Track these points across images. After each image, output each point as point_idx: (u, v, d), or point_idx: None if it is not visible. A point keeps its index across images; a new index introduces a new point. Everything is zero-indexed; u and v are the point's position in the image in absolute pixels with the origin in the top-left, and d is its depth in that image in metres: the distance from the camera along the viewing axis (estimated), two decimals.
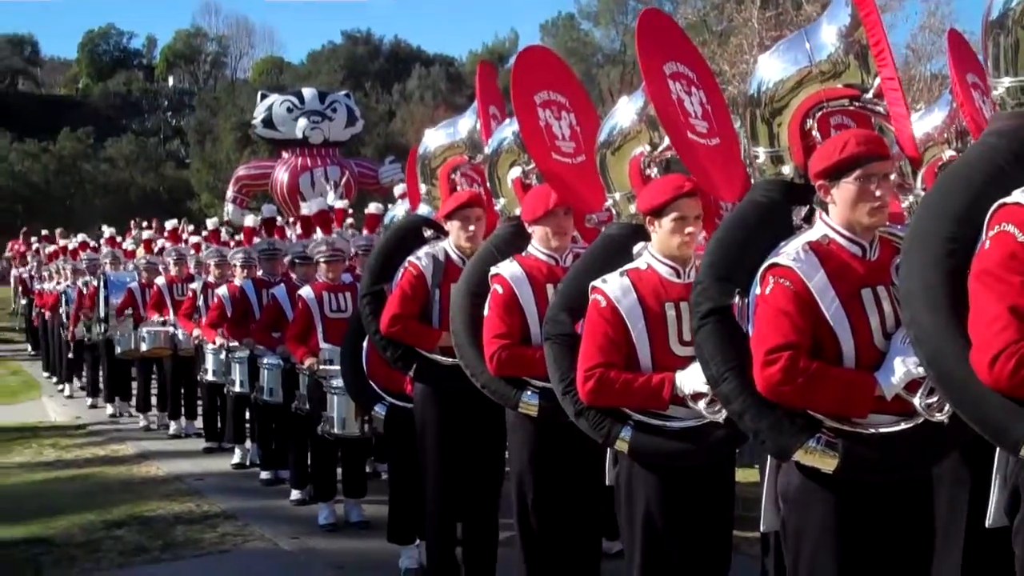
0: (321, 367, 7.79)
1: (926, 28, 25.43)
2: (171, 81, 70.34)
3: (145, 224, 18.90)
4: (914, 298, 3.07)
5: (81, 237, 18.30)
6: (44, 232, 23.06)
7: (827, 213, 3.57)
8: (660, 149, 4.60)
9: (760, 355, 3.40)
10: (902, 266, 3.16)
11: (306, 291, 8.29)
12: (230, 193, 27.21)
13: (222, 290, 10.21)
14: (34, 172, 49.15)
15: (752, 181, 4.22)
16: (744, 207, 3.86)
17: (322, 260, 8.30)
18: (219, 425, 11.16)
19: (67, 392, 16.43)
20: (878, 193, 3.44)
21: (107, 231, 18.00)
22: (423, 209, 6.42)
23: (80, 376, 16.35)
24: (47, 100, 65.54)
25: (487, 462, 5.93)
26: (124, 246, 16.55)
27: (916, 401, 3.35)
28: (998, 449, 3.16)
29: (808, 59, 3.71)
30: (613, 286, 4.19)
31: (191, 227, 18.51)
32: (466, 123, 6.13)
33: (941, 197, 3.14)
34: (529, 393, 4.99)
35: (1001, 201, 2.88)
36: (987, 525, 3.34)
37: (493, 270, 5.12)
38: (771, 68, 3.82)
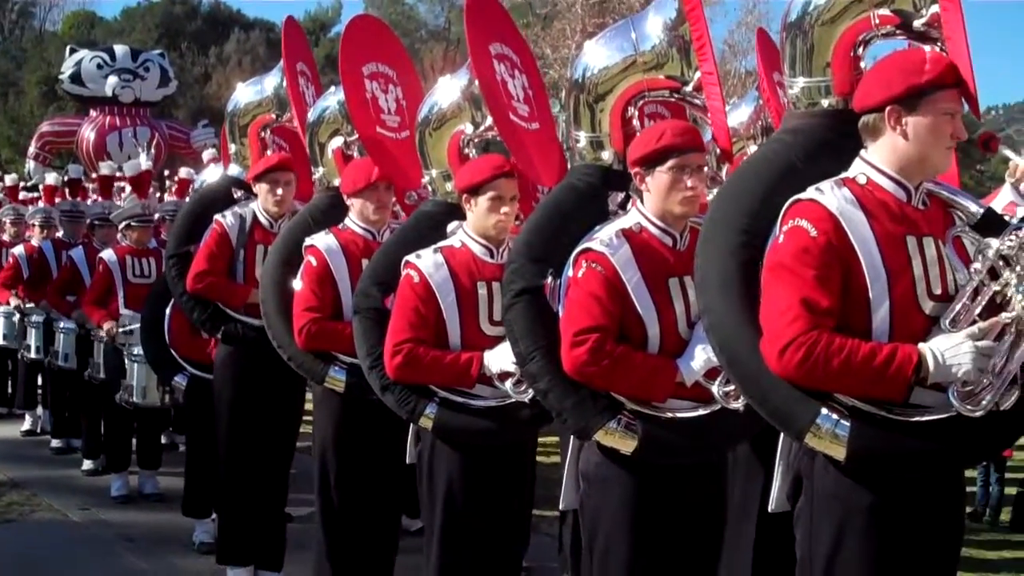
0: (121, 333, 7.52)
1: (743, 25, 26.29)
2: None
3: None
4: (708, 286, 3.16)
5: None
6: None
7: (642, 201, 3.63)
8: (481, 128, 4.62)
9: (568, 336, 3.45)
10: (698, 255, 3.24)
11: (108, 254, 7.98)
12: (32, 149, 26.13)
13: (18, 249, 9.84)
14: None
15: (570, 166, 4.26)
16: (561, 190, 3.90)
17: (134, 223, 7.99)
18: (9, 390, 10.75)
19: None
20: (690, 184, 3.51)
21: None
22: (233, 169, 6.28)
23: None
24: None
25: (280, 434, 5.86)
26: None
27: (714, 389, 3.45)
28: (781, 435, 3.28)
29: (633, 48, 3.76)
30: (426, 262, 4.18)
31: None
32: (272, 80, 6.05)
33: (737, 190, 3.25)
34: (336, 368, 4.95)
35: (796, 197, 2.98)
36: (770, 510, 3.46)
37: (308, 241, 5.04)
38: (597, 54, 3.87)
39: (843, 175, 3.01)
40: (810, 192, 2.96)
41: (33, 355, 9.43)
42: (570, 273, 3.55)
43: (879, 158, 3.01)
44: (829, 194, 2.94)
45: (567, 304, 3.53)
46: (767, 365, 2.91)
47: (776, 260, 2.95)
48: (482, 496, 4.14)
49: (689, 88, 3.75)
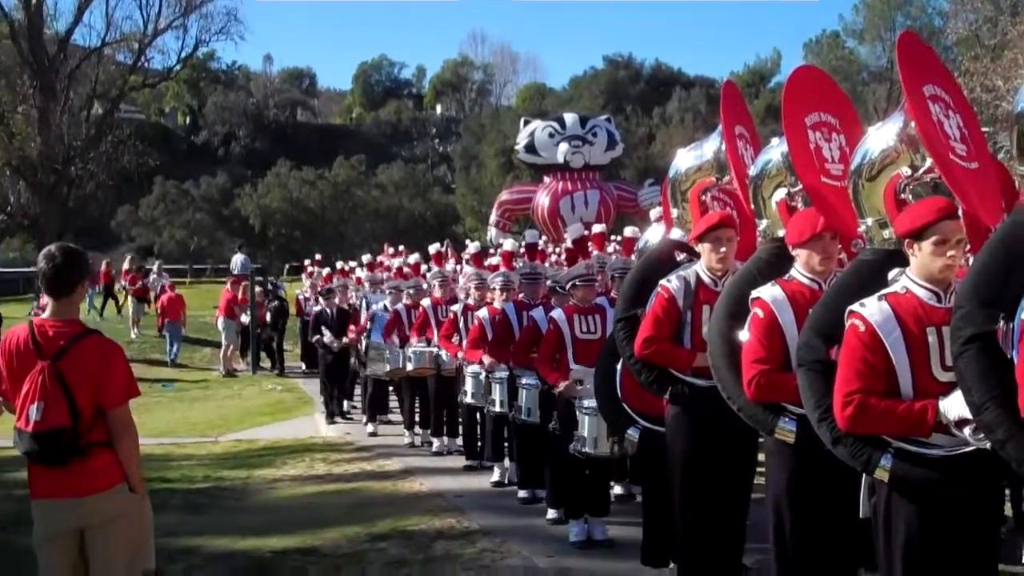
0: (573, 387, 7.89)
1: None
2: (439, 109, 72.82)
3: (396, 249, 19.32)
4: None
5: (366, 258, 18.97)
6: (317, 256, 24.15)
7: None
8: (921, 171, 4.49)
9: None
10: None
11: (558, 313, 8.42)
12: (493, 217, 27.78)
13: (483, 312, 10.45)
14: (311, 199, 51.67)
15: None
16: (1008, 228, 3.73)
17: (579, 283, 8.40)
18: (479, 444, 11.42)
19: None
20: None
21: (391, 253, 18.58)
22: (676, 232, 6.44)
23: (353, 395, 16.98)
24: (323, 130, 69.15)
25: (736, 486, 5.91)
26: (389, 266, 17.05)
27: None
28: None
29: None
30: (872, 310, 4.10)
31: (459, 250, 18.83)
32: (711, 145, 6.14)
33: None
34: (786, 419, 4.93)
35: None
36: None
37: (754, 293, 5.08)
38: None
39: None
40: None
41: (497, 409, 10.01)
42: (1023, 316, 3.38)
43: None
44: None
45: (1022, 349, 3.36)
46: None
47: None
48: (944, 548, 4.00)
49: None
